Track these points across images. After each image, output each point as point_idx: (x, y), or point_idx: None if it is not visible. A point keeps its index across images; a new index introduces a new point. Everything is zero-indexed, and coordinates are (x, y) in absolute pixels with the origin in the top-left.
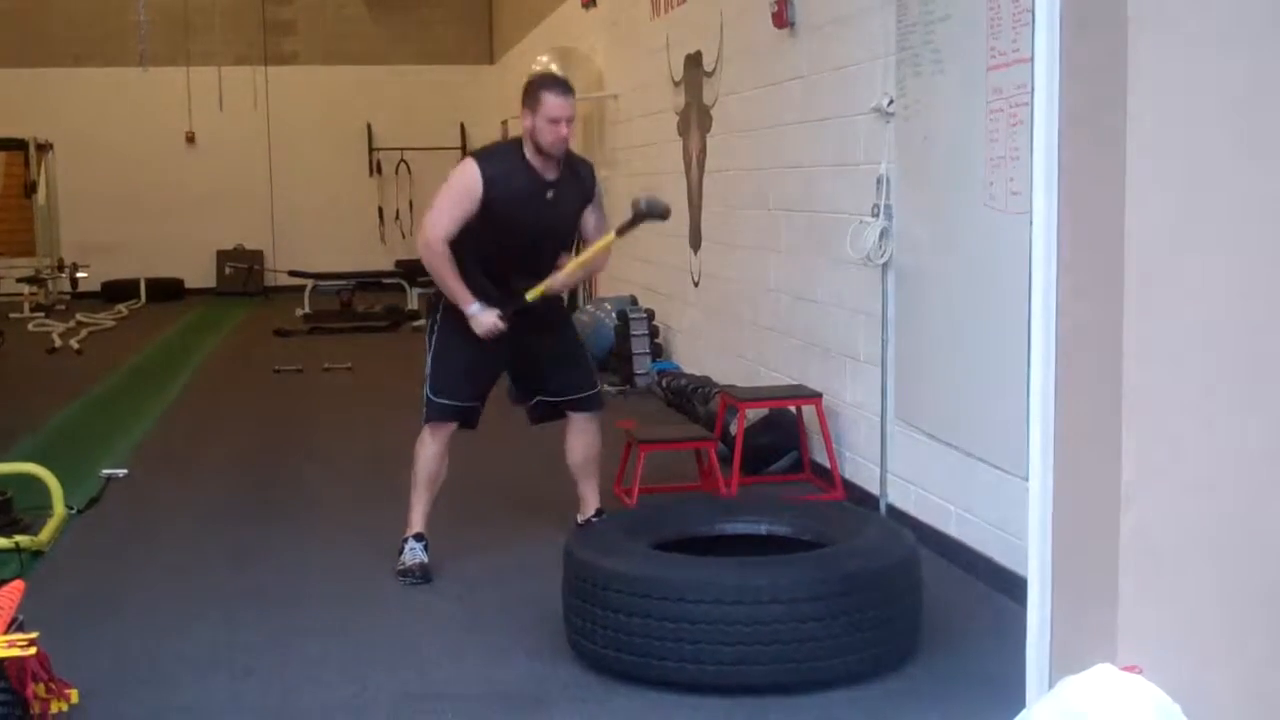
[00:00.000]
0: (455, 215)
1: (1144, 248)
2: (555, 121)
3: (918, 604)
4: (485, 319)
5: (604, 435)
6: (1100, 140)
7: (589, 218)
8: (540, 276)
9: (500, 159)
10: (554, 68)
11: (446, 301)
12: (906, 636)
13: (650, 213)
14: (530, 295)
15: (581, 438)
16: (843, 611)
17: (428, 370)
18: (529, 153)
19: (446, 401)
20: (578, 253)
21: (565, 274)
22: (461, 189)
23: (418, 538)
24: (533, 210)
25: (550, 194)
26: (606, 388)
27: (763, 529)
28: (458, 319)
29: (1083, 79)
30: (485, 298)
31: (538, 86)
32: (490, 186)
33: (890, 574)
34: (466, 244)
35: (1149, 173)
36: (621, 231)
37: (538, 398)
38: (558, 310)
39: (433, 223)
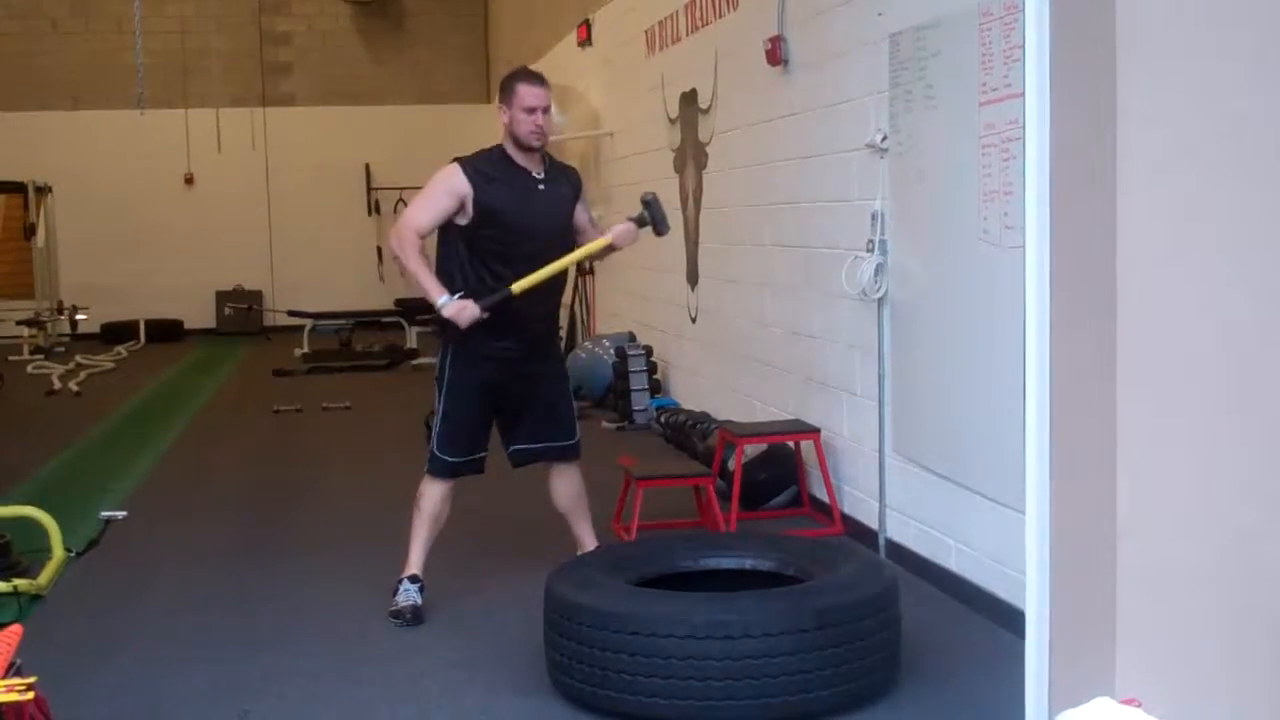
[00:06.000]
0: (432, 211)
1: (1136, 280)
2: (531, 110)
3: (895, 637)
4: (461, 313)
5: (589, 475)
6: (1091, 174)
7: (580, 213)
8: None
9: (484, 159)
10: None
11: (454, 347)
12: (884, 670)
13: (655, 213)
14: (516, 287)
15: (561, 481)
16: (815, 645)
17: (436, 428)
18: (510, 150)
19: (452, 459)
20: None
21: (553, 266)
22: (444, 186)
23: (413, 579)
24: (528, 206)
25: (542, 187)
26: (605, 424)
27: (746, 564)
28: (465, 366)
29: (1073, 113)
30: (506, 319)
31: (512, 79)
32: (478, 186)
33: (864, 607)
34: (481, 262)
35: (1140, 205)
36: (641, 223)
37: (513, 446)
38: (555, 355)
39: (407, 216)
